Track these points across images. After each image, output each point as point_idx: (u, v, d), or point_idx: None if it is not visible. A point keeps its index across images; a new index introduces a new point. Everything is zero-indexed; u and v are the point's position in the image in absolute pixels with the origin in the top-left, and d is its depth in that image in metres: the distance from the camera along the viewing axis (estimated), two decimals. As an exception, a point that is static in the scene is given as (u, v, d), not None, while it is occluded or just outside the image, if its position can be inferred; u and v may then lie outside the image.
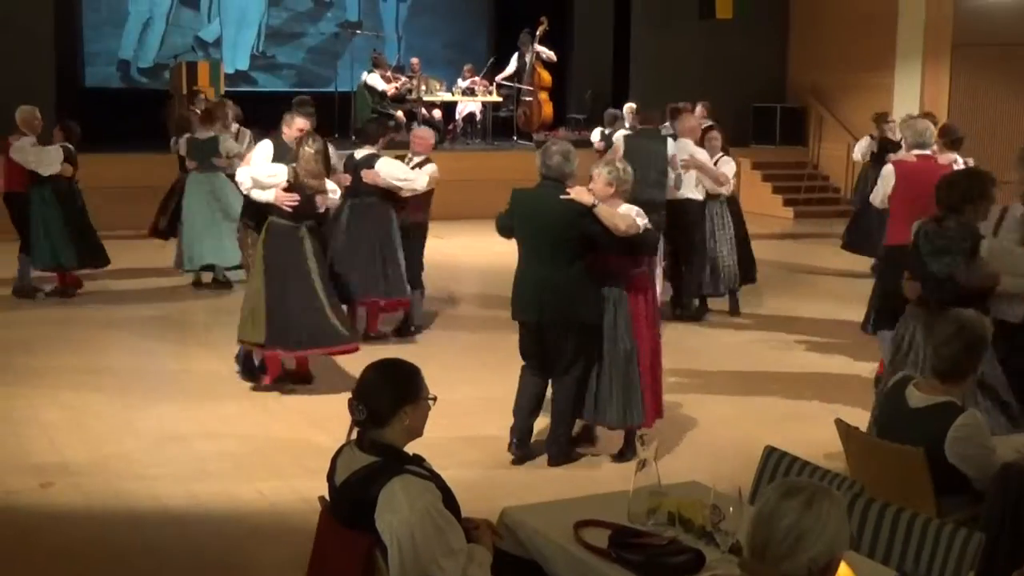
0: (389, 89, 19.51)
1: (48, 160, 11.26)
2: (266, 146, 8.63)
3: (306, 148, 8.18)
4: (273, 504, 6.33)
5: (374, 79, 19.51)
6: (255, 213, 8.80)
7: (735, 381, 8.93)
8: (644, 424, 6.77)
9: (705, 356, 9.65)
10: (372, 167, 9.69)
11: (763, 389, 8.72)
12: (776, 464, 4.56)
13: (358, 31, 21.19)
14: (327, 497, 3.85)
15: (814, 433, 7.05)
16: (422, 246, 10.34)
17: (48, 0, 17.36)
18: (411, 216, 10.02)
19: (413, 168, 9.95)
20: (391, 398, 3.72)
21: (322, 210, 8.43)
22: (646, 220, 6.68)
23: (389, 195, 9.76)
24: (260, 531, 6.04)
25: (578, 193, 6.53)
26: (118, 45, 20.98)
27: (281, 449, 7.23)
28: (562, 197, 6.53)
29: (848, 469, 5.06)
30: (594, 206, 6.50)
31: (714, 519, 3.65)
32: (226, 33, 21.63)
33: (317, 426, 7.57)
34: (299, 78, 22.04)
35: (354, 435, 3.80)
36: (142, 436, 7.45)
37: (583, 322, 6.68)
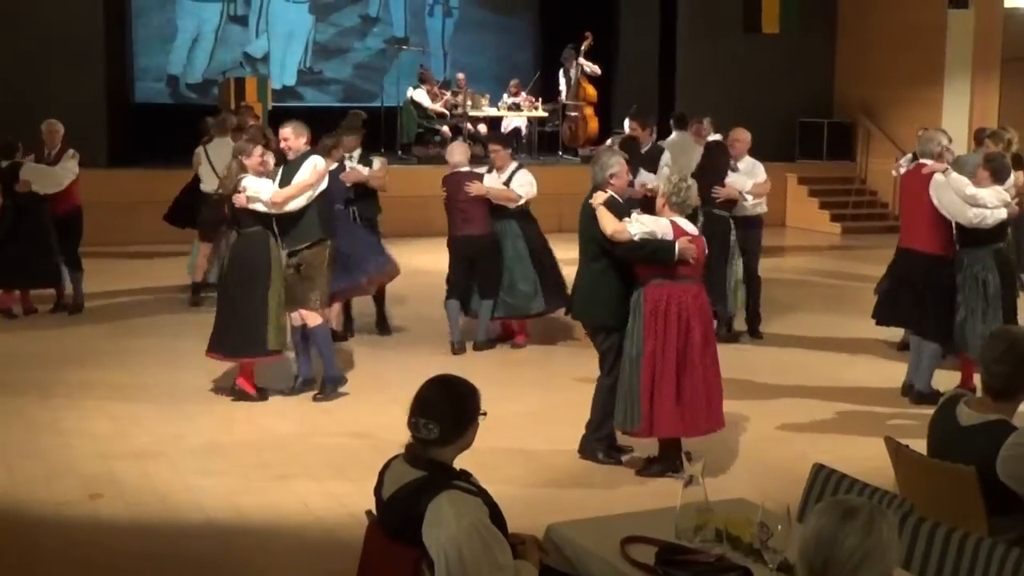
0: (435, 104, 19.57)
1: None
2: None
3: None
4: (318, 517, 6.35)
5: (420, 94, 19.58)
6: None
7: (782, 398, 8.86)
8: (640, 432, 6.87)
9: (752, 372, 9.59)
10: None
11: (810, 406, 8.64)
12: (825, 482, 4.52)
13: (404, 47, 21.28)
14: (374, 511, 3.85)
15: (862, 450, 7.00)
16: None
17: (99, 17, 17.54)
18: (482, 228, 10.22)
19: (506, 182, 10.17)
20: (463, 419, 3.75)
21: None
22: (684, 233, 6.76)
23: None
24: (305, 544, 6.05)
25: (596, 197, 6.99)
26: (167, 61, 21.19)
27: (324, 461, 7.25)
28: (587, 201, 7.04)
29: (898, 487, 5.00)
30: (596, 208, 6.96)
31: (762, 536, 3.62)
32: (274, 49, 21.79)
33: (360, 438, 7.59)
34: (346, 93, 22.16)
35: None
36: (187, 448, 7.50)
37: (599, 323, 7.08)
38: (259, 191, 8.28)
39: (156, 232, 13.62)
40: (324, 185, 8.59)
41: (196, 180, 12.20)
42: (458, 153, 10.35)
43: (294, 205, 8.37)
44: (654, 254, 6.77)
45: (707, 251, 7.00)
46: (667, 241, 6.73)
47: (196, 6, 21.23)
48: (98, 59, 17.71)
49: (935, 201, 8.44)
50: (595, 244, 7.01)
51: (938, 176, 8.43)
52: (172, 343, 10.32)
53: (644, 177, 10.61)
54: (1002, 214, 8.35)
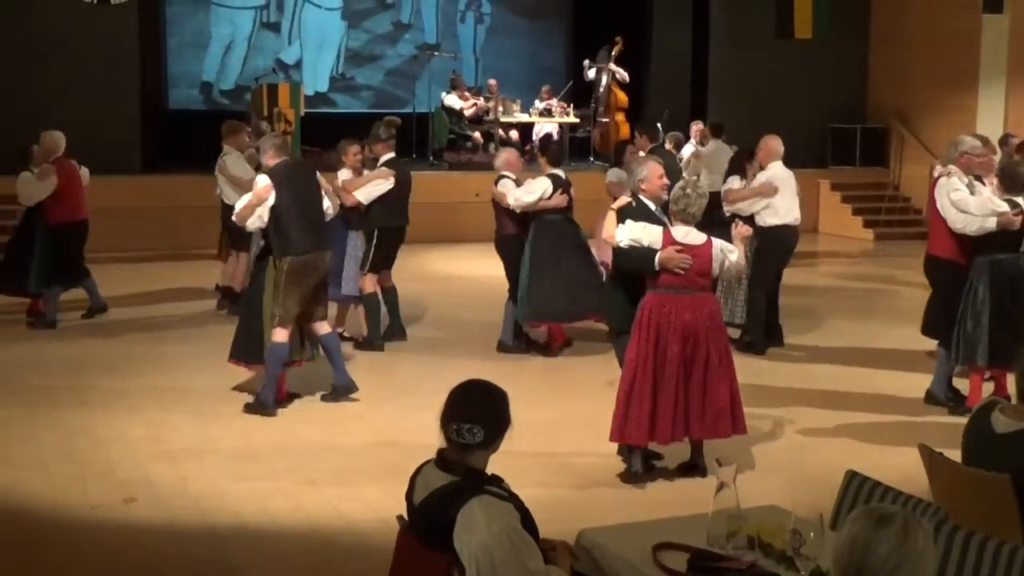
0: (467, 110, 19.60)
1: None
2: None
3: None
4: (350, 522, 6.37)
5: (452, 100, 19.63)
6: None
7: (814, 405, 8.82)
8: (610, 437, 6.96)
9: (784, 379, 9.56)
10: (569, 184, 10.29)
11: (843, 413, 8.60)
12: (858, 489, 4.50)
13: (436, 53, 21.34)
14: (405, 516, 3.87)
15: (895, 458, 6.96)
16: None
17: (133, 24, 17.67)
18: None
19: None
20: (503, 422, 3.76)
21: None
22: (675, 243, 6.75)
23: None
24: (337, 549, 6.08)
25: (617, 201, 7.21)
26: (201, 68, 21.33)
27: (355, 467, 7.27)
28: None
29: (932, 495, 4.97)
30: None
31: (795, 544, 3.60)
32: (306, 55, 21.90)
33: (390, 443, 7.61)
34: (377, 99, 22.24)
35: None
36: (221, 453, 7.55)
37: (610, 325, 7.41)
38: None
39: (189, 237, 13.73)
40: (272, 201, 8.25)
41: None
42: (499, 158, 10.60)
43: (248, 224, 8.42)
44: (636, 262, 6.84)
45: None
46: (650, 250, 6.73)
47: (230, 13, 21.37)
48: (133, 66, 17.86)
49: (937, 204, 8.45)
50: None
51: (941, 179, 8.43)
52: (206, 349, 10.37)
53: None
54: (990, 224, 8.17)
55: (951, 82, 18.95)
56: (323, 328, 8.59)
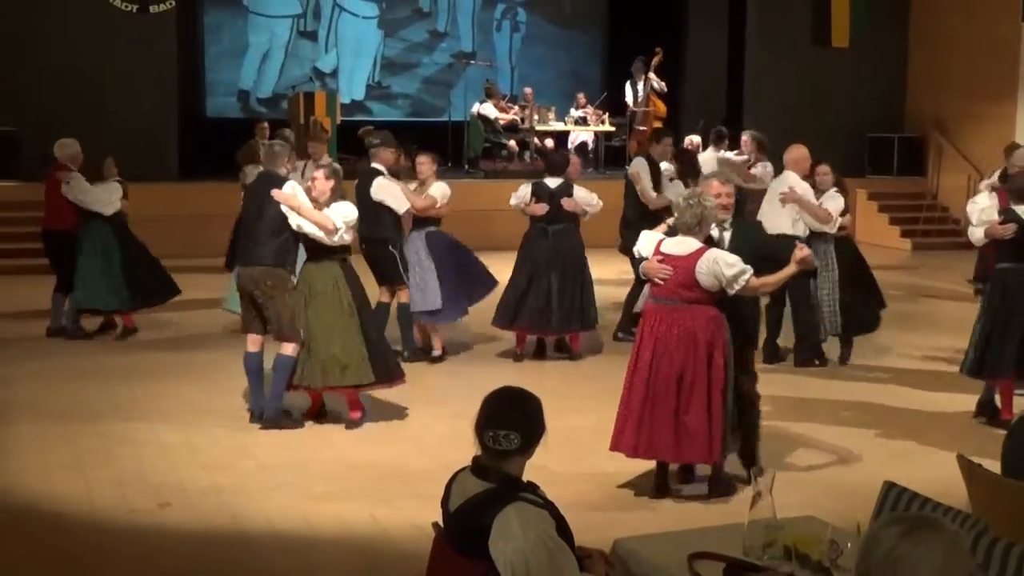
0: (502, 119, 19.63)
1: (111, 199, 10.86)
2: (300, 190, 8.24)
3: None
4: (385, 529, 6.37)
5: (487, 108, 19.65)
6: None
7: (851, 416, 8.76)
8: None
9: (820, 391, 9.50)
10: (571, 195, 10.20)
11: (880, 424, 8.54)
12: (896, 500, 4.45)
13: (472, 61, 21.38)
14: (440, 523, 3.86)
15: (934, 470, 6.90)
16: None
17: (172, 32, 17.81)
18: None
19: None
20: (539, 428, 3.75)
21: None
22: (659, 253, 6.70)
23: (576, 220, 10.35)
24: (373, 556, 6.08)
25: None
26: (238, 76, 21.47)
27: (391, 474, 7.28)
28: None
29: (971, 506, 4.92)
30: None
31: (832, 554, 3.58)
32: (343, 63, 22.00)
33: (426, 452, 7.61)
34: (413, 108, 22.31)
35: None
36: (256, 460, 7.57)
37: None
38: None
39: (225, 244, 13.73)
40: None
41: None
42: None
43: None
44: (637, 271, 6.86)
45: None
46: (642, 259, 6.76)
47: (267, 22, 21.50)
48: (171, 74, 18.00)
49: None
50: None
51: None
52: (241, 356, 10.42)
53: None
54: (976, 233, 8.30)
55: (990, 91, 18.82)
56: (252, 345, 8.37)
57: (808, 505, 5.27)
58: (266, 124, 15.30)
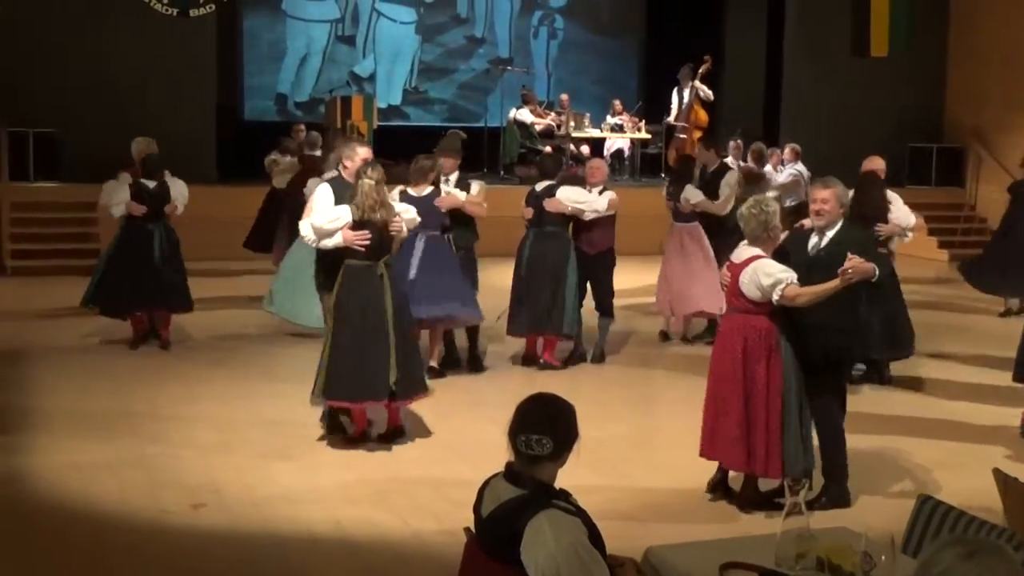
0: (538, 125, 19.63)
1: (116, 200, 10.68)
2: (324, 190, 8.12)
3: (364, 180, 7.72)
4: (417, 534, 6.38)
5: (524, 114, 19.67)
6: (328, 268, 8.03)
7: (887, 428, 8.70)
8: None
9: (855, 403, 9.43)
10: (553, 196, 10.10)
11: (917, 437, 8.47)
12: (930, 513, 4.43)
13: (509, 67, 21.40)
14: (472, 528, 3.86)
15: (969, 482, 6.84)
16: (611, 274, 10.49)
17: (211, 36, 17.94)
18: (597, 246, 10.30)
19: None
20: (571, 433, 3.75)
21: (399, 240, 7.94)
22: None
23: (568, 224, 10.23)
24: (404, 560, 6.09)
25: None
26: (276, 80, 21.58)
27: (423, 479, 7.28)
28: None
29: (1006, 520, 4.88)
30: None
31: (865, 566, 3.56)
32: (380, 68, 22.07)
33: (459, 457, 7.61)
34: (450, 113, 22.35)
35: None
36: (291, 462, 7.59)
37: None
38: (413, 214, 8.05)
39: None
40: None
41: (274, 202, 12.42)
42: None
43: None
44: None
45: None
46: None
47: (306, 26, 21.61)
48: (210, 77, 18.14)
49: None
50: None
51: None
52: (277, 359, 10.48)
53: (688, 193, 11.00)
54: None
55: (1030, 102, 18.68)
56: None
57: (842, 517, 5.25)
58: (303, 127, 15.38)
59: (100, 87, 17.00)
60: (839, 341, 6.64)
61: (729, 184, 11.13)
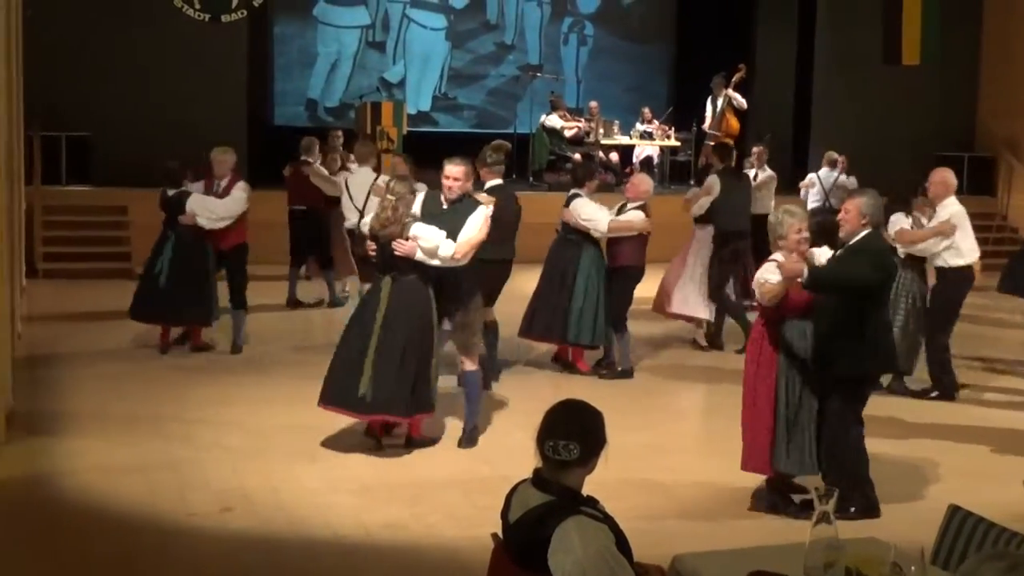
0: (568, 131, 19.62)
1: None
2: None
3: (386, 196, 7.83)
4: (443, 539, 6.38)
5: (553, 121, 19.66)
6: None
7: (916, 438, 8.65)
8: None
9: (887, 412, 9.39)
10: (568, 206, 10.13)
11: (946, 447, 8.43)
12: (960, 524, 4.39)
13: (538, 74, 21.41)
14: (500, 534, 3.86)
15: (1000, 494, 6.79)
16: (624, 290, 10.31)
17: (242, 42, 18.03)
18: (615, 260, 10.27)
19: (619, 213, 10.22)
20: (598, 439, 3.75)
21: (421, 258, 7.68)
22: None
23: (587, 234, 10.14)
24: (430, 566, 6.10)
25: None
26: (307, 85, 21.67)
27: (450, 484, 7.29)
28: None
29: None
30: None
31: (894, 577, 3.53)
32: (410, 74, 22.12)
33: (486, 463, 7.62)
34: (479, 119, 22.38)
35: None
36: (318, 466, 7.61)
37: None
38: (434, 243, 7.64)
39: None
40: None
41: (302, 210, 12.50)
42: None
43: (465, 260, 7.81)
44: None
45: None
46: None
47: (336, 32, 21.70)
48: (241, 82, 18.22)
49: None
50: None
51: None
52: (303, 363, 10.50)
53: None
54: None
55: (1064, 111, 18.55)
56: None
57: (871, 527, 5.22)
58: (340, 132, 15.44)
59: (132, 91, 17.10)
60: (841, 351, 6.63)
61: (704, 184, 11.57)
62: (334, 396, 7.83)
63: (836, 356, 6.64)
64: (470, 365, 8.16)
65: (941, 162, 20.02)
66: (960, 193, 20.39)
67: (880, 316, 6.83)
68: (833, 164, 16.24)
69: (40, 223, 15.38)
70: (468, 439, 8.12)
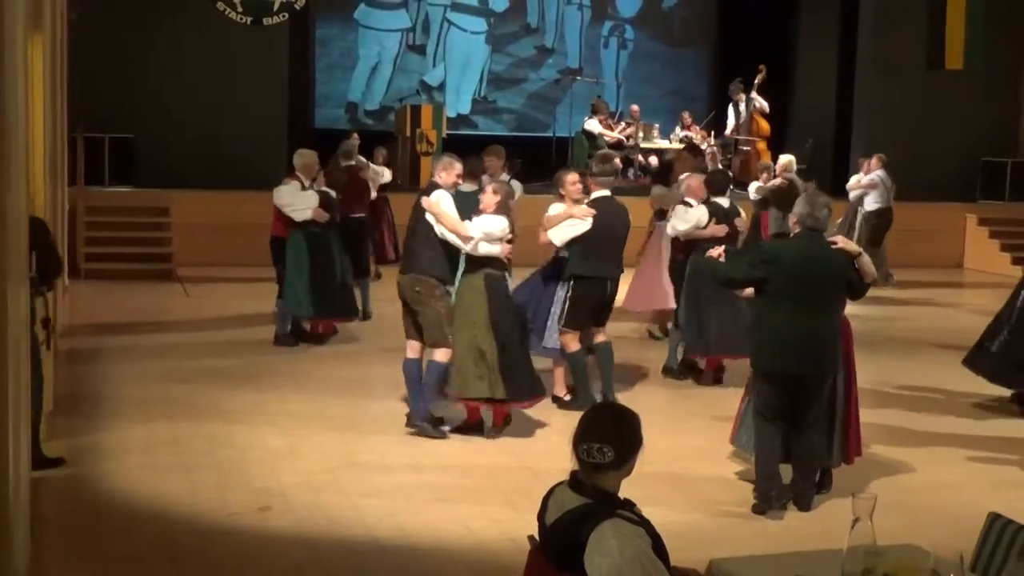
0: (608, 135, 19.62)
1: (302, 204, 11.00)
2: (448, 199, 8.28)
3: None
4: (480, 541, 6.40)
5: (592, 125, 19.66)
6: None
7: (956, 445, 8.60)
8: (845, 462, 7.17)
9: (926, 419, 9.34)
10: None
11: (987, 453, 8.37)
12: (1000, 531, 4.36)
13: (578, 77, 21.42)
14: (536, 536, 3.87)
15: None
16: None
17: (284, 44, 18.14)
18: None
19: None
20: (634, 442, 3.75)
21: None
22: None
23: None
24: (466, 566, 6.11)
25: (844, 243, 6.90)
26: (347, 88, 21.77)
27: (487, 486, 7.31)
28: (834, 247, 6.80)
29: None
30: (859, 255, 6.85)
31: (933, 584, 3.51)
32: (450, 78, 22.18)
33: (522, 465, 7.62)
34: (518, 123, 22.41)
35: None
36: (357, 467, 7.65)
37: (837, 370, 6.97)
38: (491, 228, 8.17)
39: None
40: None
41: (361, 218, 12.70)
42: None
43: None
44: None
45: None
46: None
47: (377, 35, 21.79)
48: (282, 85, 18.35)
49: None
50: (842, 294, 6.95)
51: None
52: (348, 365, 10.55)
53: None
54: None
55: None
56: (410, 352, 8.43)
57: (910, 533, 5.17)
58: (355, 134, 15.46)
59: (175, 94, 17.25)
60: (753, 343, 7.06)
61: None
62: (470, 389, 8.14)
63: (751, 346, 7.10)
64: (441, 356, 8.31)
65: (986, 167, 19.97)
66: (1002, 199, 20.39)
67: (778, 316, 6.73)
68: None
69: (83, 224, 15.53)
70: (415, 425, 8.34)
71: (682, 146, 19.45)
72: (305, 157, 11.39)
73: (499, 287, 8.29)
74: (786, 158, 14.08)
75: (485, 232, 8.07)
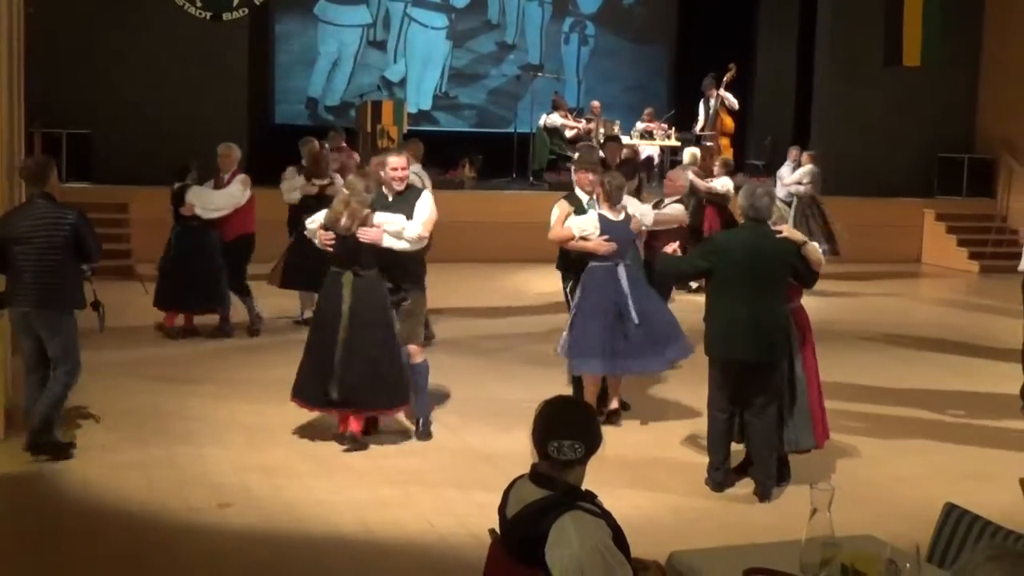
0: (569, 131, 19.65)
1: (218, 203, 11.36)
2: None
3: (341, 190, 8.24)
4: (442, 536, 6.41)
5: (554, 119, 19.68)
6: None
7: (914, 437, 8.68)
8: (817, 446, 7.28)
9: (883, 411, 9.42)
10: None
11: (942, 446, 8.47)
12: (956, 522, 4.42)
13: (539, 73, 21.44)
14: (497, 530, 3.88)
15: (996, 493, 6.80)
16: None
17: (243, 40, 18.05)
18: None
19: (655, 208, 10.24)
20: (597, 435, 3.76)
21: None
22: None
23: None
24: (429, 561, 6.12)
25: (789, 232, 7.07)
26: (307, 84, 21.70)
27: (450, 482, 7.31)
28: (779, 236, 6.96)
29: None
30: (804, 243, 7.03)
31: (890, 574, 3.55)
32: (411, 73, 22.15)
33: (484, 460, 7.64)
34: (479, 119, 22.41)
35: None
36: (317, 463, 7.64)
37: (784, 356, 7.08)
38: (400, 225, 7.81)
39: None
40: None
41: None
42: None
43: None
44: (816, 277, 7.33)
45: None
46: None
47: (337, 31, 21.72)
48: (242, 81, 18.26)
49: None
50: (785, 282, 7.15)
51: None
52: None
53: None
54: None
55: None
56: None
57: (869, 524, 5.22)
58: (342, 132, 15.41)
59: (133, 89, 17.14)
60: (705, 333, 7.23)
61: None
62: (309, 394, 7.92)
63: None
64: (418, 356, 8.25)
65: (943, 163, 20.14)
66: (959, 194, 20.59)
67: (725, 305, 6.94)
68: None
69: (41, 220, 15.36)
70: (423, 432, 8.24)
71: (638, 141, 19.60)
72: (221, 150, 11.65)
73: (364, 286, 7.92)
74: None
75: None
